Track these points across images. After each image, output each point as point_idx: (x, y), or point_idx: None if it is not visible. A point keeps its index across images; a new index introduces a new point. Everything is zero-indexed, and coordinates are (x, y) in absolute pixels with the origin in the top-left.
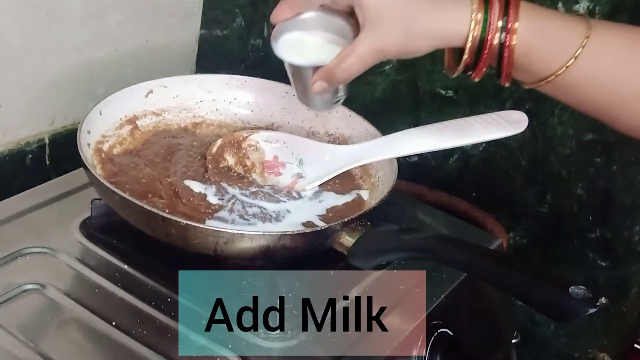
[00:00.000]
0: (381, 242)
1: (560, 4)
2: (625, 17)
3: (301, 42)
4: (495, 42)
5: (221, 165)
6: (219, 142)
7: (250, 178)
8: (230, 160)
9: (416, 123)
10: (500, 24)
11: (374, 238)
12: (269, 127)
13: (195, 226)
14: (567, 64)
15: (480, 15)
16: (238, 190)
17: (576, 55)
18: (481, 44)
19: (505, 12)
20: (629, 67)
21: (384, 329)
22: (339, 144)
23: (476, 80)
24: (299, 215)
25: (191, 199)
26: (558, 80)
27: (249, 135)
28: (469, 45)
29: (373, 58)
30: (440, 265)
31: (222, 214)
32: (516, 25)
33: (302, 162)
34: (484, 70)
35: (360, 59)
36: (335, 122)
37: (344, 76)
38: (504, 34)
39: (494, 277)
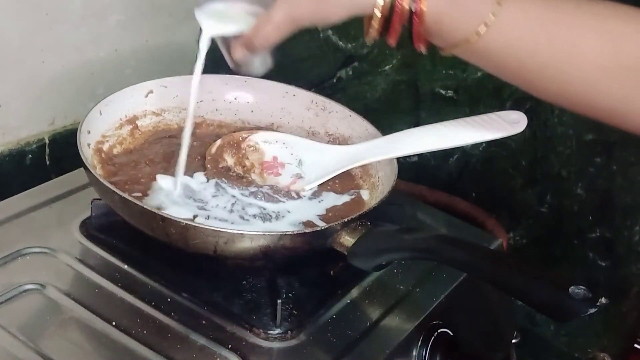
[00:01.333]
0: (381, 242)
1: None
2: None
3: (224, 12)
4: (406, 7)
5: (220, 165)
6: (219, 142)
7: (250, 178)
8: (229, 160)
9: (416, 123)
10: None
11: (374, 238)
12: (269, 127)
13: (195, 226)
14: (479, 32)
15: None
16: (237, 190)
17: (487, 23)
18: (392, 10)
19: None
20: (540, 35)
21: (383, 329)
22: (339, 144)
23: (392, 44)
24: (299, 215)
25: None
26: (470, 47)
27: (249, 135)
28: (378, 12)
29: (288, 26)
30: (440, 265)
31: (222, 213)
32: None
33: (301, 162)
34: (397, 35)
35: (276, 28)
36: (335, 122)
37: (262, 44)
38: (413, 2)
39: (494, 277)
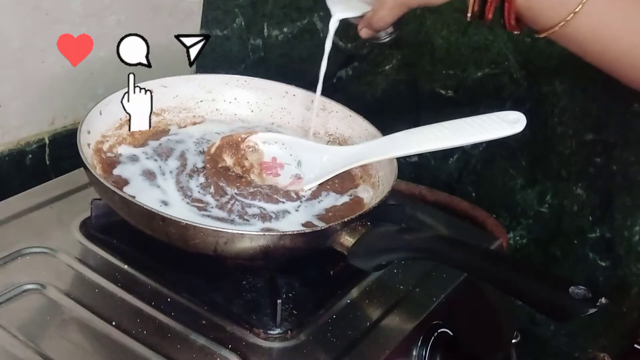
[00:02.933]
0: (381, 242)
1: None
2: None
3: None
4: None
5: (219, 166)
6: (218, 142)
7: (249, 178)
8: (228, 160)
9: (416, 123)
10: None
11: (374, 238)
12: (269, 127)
13: (195, 226)
14: (567, 18)
15: None
16: (236, 191)
17: (575, 10)
18: None
19: None
20: (625, 24)
21: (383, 329)
22: (339, 144)
23: (488, 21)
24: (299, 215)
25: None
26: (560, 32)
27: (248, 136)
28: None
29: (399, 9)
30: (440, 265)
31: (222, 214)
32: None
33: (300, 163)
34: (490, 14)
35: (389, 11)
36: (335, 123)
37: (380, 25)
38: None
39: (494, 277)
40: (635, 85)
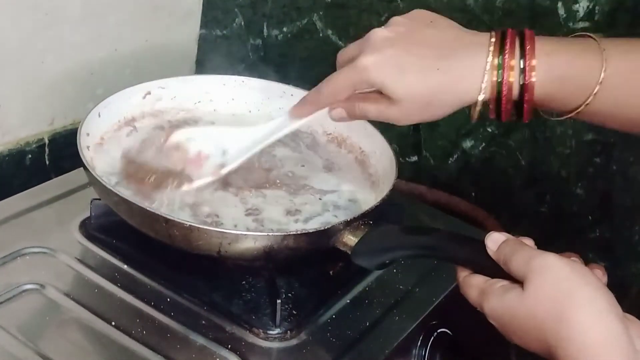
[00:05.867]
0: (385, 241)
1: (560, 4)
2: (625, 15)
3: None
4: (516, 82)
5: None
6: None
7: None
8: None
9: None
10: (519, 63)
11: (377, 236)
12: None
13: (199, 227)
14: (587, 102)
15: (496, 61)
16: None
17: (594, 92)
18: (499, 94)
19: (522, 54)
20: None
21: (383, 329)
22: (337, 143)
23: (503, 120)
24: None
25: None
26: (579, 115)
27: (167, 138)
28: (482, 97)
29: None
30: (440, 265)
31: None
32: (533, 62)
33: (226, 152)
34: (508, 115)
35: (385, 119)
36: (333, 122)
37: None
38: (522, 75)
39: (501, 274)
40: None
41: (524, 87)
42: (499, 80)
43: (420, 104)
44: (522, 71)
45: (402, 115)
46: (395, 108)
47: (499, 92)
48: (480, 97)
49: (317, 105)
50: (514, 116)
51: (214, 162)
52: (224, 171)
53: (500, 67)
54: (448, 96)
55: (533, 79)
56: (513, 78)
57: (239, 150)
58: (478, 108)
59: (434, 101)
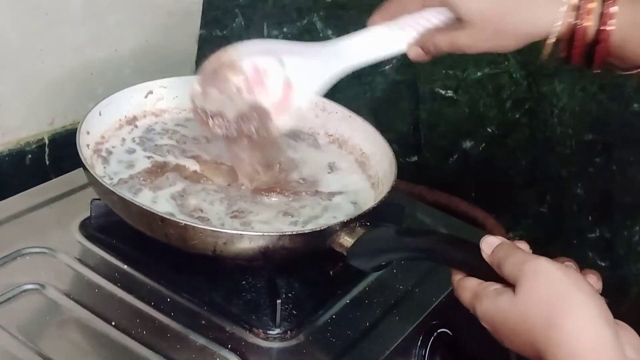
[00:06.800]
0: (380, 243)
1: None
2: None
3: None
4: (592, 27)
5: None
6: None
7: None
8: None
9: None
10: (597, 8)
11: (373, 239)
12: None
13: (194, 227)
14: None
15: (576, 2)
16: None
17: None
18: (573, 35)
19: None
20: None
21: (383, 329)
22: (338, 145)
23: (574, 63)
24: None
25: None
26: None
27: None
28: (553, 38)
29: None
30: (439, 265)
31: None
32: (613, 9)
33: (283, 63)
34: (579, 57)
35: (457, 48)
36: (335, 124)
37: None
38: (599, 21)
39: (494, 277)
40: None
41: (599, 33)
42: (575, 22)
43: (490, 28)
44: (601, 16)
45: (473, 41)
46: (466, 33)
47: (572, 34)
48: (554, 34)
49: (389, 15)
50: (584, 62)
51: (278, 76)
52: (306, 102)
53: (579, 8)
54: (519, 24)
55: (610, 27)
56: (589, 22)
57: (297, 66)
58: (549, 44)
59: (505, 26)
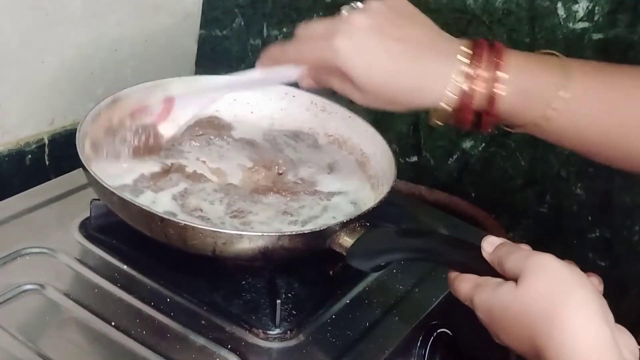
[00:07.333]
0: (380, 243)
1: (559, 4)
2: (625, 16)
3: None
4: (483, 92)
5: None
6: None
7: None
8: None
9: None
10: (487, 75)
11: (372, 239)
12: (270, 127)
13: (193, 227)
14: (546, 116)
15: (467, 70)
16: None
17: (555, 108)
18: (464, 98)
19: (490, 66)
20: (604, 118)
21: (383, 329)
22: (338, 145)
23: (466, 128)
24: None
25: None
26: (537, 128)
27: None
28: (446, 106)
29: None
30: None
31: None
32: (502, 75)
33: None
34: (469, 124)
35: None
36: (335, 124)
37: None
38: (488, 86)
39: (494, 277)
40: (619, 166)
41: (488, 98)
42: (465, 88)
43: (383, 99)
44: (490, 82)
45: (364, 101)
46: (359, 93)
47: (462, 101)
48: (442, 104)
49: (277, 62)
50: (473, 126)
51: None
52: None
53: (469, 75)
54: (412, 99)
55: (499, 91)
56: (479, 88)
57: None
58: (436, 113)
59: (398, 99)
